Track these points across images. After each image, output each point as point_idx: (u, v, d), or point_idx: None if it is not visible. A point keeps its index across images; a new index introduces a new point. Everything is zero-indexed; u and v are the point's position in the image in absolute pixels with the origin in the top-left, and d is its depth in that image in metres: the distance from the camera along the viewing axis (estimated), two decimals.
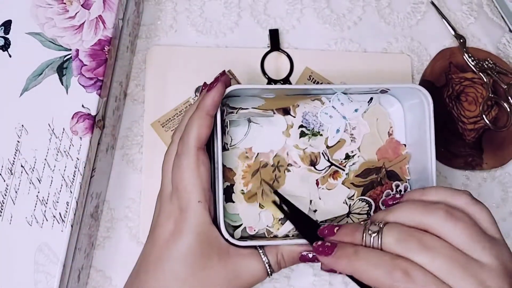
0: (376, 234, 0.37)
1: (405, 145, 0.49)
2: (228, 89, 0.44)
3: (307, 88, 0.48)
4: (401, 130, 0.49)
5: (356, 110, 0.48)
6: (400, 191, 0.48)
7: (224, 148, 0.46)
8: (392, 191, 0.48)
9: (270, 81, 0.55)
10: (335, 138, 0.47)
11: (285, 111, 0.47)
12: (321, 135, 0.48)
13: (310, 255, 0.41)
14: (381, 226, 0.37)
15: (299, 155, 0.47)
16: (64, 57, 0.45)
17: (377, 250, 0.36)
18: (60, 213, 0.42)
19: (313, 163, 0.47)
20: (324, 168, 0.47)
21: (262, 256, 0.42)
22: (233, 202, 0.45)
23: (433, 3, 0.58)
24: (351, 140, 0.48)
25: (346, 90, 0.48)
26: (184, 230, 0.40)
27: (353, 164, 0.48)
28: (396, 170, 0.48)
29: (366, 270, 0.36)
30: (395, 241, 0.36)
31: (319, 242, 0.39)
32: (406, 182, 0.48)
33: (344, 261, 0.37)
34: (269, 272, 0.42)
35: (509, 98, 0.54)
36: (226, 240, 0.42)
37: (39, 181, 0.42)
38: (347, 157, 0.48)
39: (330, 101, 0.48)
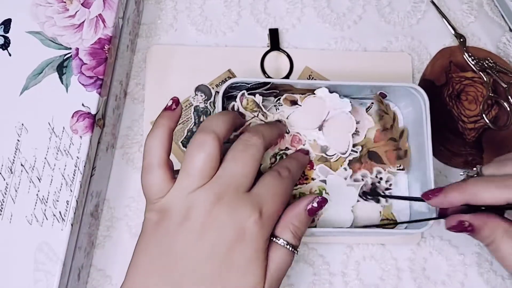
0: (476, 174, 0.42)
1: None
2: (228, 82, 0.45)
3: (305, 84, 0.49)
4: (399, 124, 0.51)
5: (369, 109, 0.51)
6: (381, 178, 0.49)
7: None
8: (371, 174, 0.49)
9: None
10: None
11: (293, 103, 0.49)
12: None
13: (315, 204, 0.41)
14: (478, 169, 0.42)
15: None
16: (64, 56, 0.45)
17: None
18: (60, 212, 0.42)
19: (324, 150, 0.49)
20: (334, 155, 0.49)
21: (277, 241, 0.40)
22: None
23: (433, 2, 0.58)
24: (355, 133, 0.49)
25: (344, 87, 0.49)
26: None
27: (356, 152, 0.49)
28: (379, 153, 0.49)
29: (480, 190, 0.39)
30: (494, 169, 0.41)
31: (427, 190, 0.43)
32: (390, 168, 0.49)
33: (456, 191, 0.41)
34: (293, 250, 0.40)
35: (509, 97, 0.54)
36: None
37: (39, 180, 0.42)
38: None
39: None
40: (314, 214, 0.41)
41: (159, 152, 0.39)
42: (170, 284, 0.36)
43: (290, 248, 0.39)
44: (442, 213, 0.44)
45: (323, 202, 0.41)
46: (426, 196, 0.43)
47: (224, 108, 0.48)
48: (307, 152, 0.48)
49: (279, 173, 0.40)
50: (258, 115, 0.48)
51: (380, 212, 0.49)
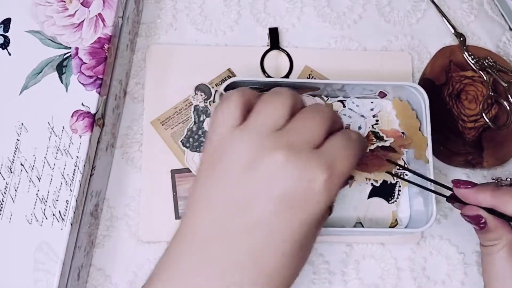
0: (510, 184, 0.42)
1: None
2: (228, 82, 0.45)
3: (305, 82, 0.49)
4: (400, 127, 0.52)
5: (372, 109, 0.51)
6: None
7: None
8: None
9: None
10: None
11: None
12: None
13: None
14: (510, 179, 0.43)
15: None
16: (64, 55, 0.45)
17: None
18: (59, 212, 0.42)
19: None
20: None
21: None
22: None
23: (433, 1, 0.58)
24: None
25: (344, 86, 0.49)
26: None
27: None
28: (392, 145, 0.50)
29: (509, 201, 0.40)
30: None
31: (459, 179, 0.43)
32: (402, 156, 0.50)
33: (488, 194, 0.41)
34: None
35: (509, 96, 0.54)
36: None
37: (38, 179, 0.42)
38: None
39: (346, 105, 0.51)
40: None
41: (249, 93, 0.37)
42: (236, 228, 0.34)
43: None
44: (454, 197, 0.44)
45: None
46: (456, 184, 0.43)
47: None
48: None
49: (349, 135, 0.38)
50: None
51: (393, 212, 0.49)
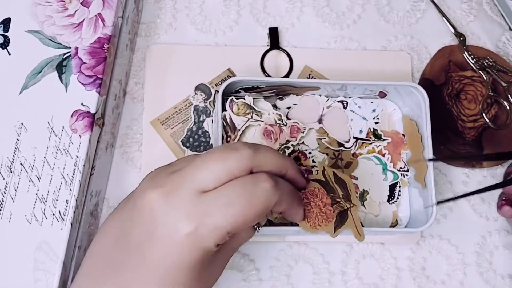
0: None
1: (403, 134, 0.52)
2: (228, 81, 0.45)
3: (305, 82, 0.50)
4: (400, 129, 0.52)
5: (374, 110, 0.51)
6: None
7: None
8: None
9: None
10: (361, 135, 0.51)
11: None
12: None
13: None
14: None
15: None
16: (64, 55, 0.45)
17: None
18: (59, 211, 0.42)
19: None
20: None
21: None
22: None
23: (432, 1, 0.58)
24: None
25: (344, 86, 0.49)
26: None
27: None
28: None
29: None
30: None
31: None
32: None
33: None
34: (257, 228, 0.37)
35: (509, 96, 0.54)
36: None
37: (38, 179, 0.42)
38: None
39: (347, 106, 0.51)
40: None
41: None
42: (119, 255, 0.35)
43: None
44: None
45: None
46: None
47: (223, 109, 0.48)
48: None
49: (257, 181, 0.33)
50: (252, 116, 0.49)
51: (393, 212, 0.50)
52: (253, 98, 0.49)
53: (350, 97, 0.51)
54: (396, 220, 0.50)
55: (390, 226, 0.50)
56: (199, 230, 0.32)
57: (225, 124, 0.48)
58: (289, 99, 0.51)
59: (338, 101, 0.51)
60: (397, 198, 0.50)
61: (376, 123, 0.51)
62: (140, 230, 0.34)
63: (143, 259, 0.33)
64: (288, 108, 0.51)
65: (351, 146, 0.50)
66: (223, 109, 0.48)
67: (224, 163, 0.33)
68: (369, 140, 0.51)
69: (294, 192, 0.37)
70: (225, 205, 0.32)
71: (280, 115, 0.49)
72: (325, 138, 0.50)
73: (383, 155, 0.50)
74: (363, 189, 0.50)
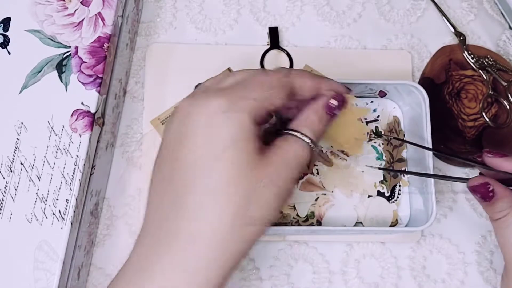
0: None
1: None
2: None
3: None
4: (400, 121, 0.52)
5: (374, 110, 0.52)
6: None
7: None
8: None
9: None
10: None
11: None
12: None
13: (334, 102, 0.38)
14: None
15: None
16: (64, 54, 0.45)
17: None
18: (59, 211, 0.42)
19: None
20: None
21: (300, 136, 0.36)
22: None
23: (433, 0, 0.58)
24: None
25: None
26: None
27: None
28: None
29: None
30: None
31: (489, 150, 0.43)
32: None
33: None
34: (311, 144, 0.36)
35: (509, 95, 0.54)
36: None
37: (38, 178, 0.42)
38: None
39: None
40: (333, 113, 0.38)
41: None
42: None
43: (307, 140, 0.36)
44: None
45: (342, 101, 0.38)
46: (488, 153, 0.43)
47: None
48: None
49: (268, 70, 0.37)
50: None
51: (393, 211, 0.50)
52: None
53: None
54: (397, 220, 0.50)
55: (390, 226, 0.50)
56: (232, 102, 0.34)
57: None
58: None
59: None
60: (397, 197, 0.50)
61: (376, 119, 0.52)
62: (184, 136, 0.34)
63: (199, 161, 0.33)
64: None
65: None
66: None
67: (270, 83, 0.36)
68: (370, 137, 0.51)
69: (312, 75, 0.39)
70: (250, 87, 0.35)
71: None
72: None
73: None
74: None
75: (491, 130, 0.54)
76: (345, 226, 0.49)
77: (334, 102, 0.38)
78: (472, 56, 0.56)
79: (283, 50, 0.55)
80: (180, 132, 0.34)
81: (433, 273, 0.52)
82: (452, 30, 0.57)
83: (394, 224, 0.50)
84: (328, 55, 0.55)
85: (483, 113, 0.54)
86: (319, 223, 0.49)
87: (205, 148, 0.33)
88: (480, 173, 0.45)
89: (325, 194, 0.50)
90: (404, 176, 0.50)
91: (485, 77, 0.55)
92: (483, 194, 0.41)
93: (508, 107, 0.54)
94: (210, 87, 0.37)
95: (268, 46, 0.55)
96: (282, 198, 0.35)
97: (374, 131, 0.51)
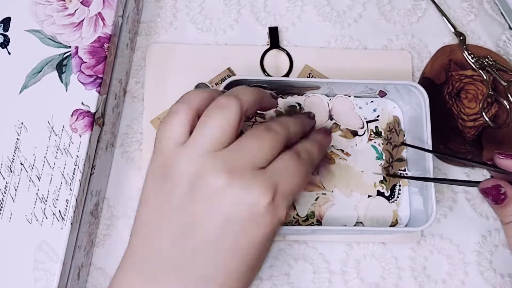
0: None
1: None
2: (228, 80, 0.46)
3: (305, 81, 0.50)
4: (400, 121, 0.52)
5: (374, 110, 0.52)
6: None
7: None
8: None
9: None
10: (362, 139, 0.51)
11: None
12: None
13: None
14: None
15: None
16: (64, 54, 0.45)
17: None
18: (59, 211, 0.42)
19: None
20: None
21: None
22: None
23: (433, 1, 0.58)
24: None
25: (344, 85, 0.50)
26: None
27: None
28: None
29: None
30: None
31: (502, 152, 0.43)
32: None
33: None
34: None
35: (509, 95, 0.54)
36: None
37: (38, 178, 0.42)
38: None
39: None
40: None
41: (194, 102, 0.36)
42: (184, 251, 0.33)
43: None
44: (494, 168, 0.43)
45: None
46: (500, 155, 0.42)
47: None
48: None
49: (299, 155, 0.37)
50: (255, 119, 0.49)
51: (394, 211, 0.50)
52: None
53: (350, 96, 0.52)
54: (397, 220, 0.50)
55: (390, 225, 0.50)
56: (275, 199, 0.34)
57: None
58: (292, 98, 0.51)
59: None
60: (397, 197, 0.50)
61: (376, 118, 0.52)
62: (211, 219, 0.33)
63: (220, 247, 0.33)
64: (290, 106, 0.51)
65: (364, 133, 0.51)
66: None
67: (271, 143, 0.35)
68: (371, 136, 0.51)
69: (320, 144, 0.41)
70: (289, 176, 0.35)
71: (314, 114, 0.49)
72: (338, 132, 0.51)
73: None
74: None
75: (491, 130, 0.54)
76: (345, 226, 0.49)
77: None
78: (472, 56, 0.56)
79: (283, 50, 0.55)
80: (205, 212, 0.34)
81: (433, 273, 0.52)
82: (452, 30, 0.57)
83: (394, 224, 0.50)
84: (328, 55, 0.55)
85: (483, 113, 0.54)
86: (319, 222, 0.49)
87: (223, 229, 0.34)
88: (491, 176, 0.45)
89: (325, 194, 0.50)
90: (408, 180, 0.50)
91: (485, 77, 0.55)
92: (494, 196, 0.41)
93: (508, 107, 0.54)
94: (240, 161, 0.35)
95: (268, 46, 0.55)
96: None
97: (374, 130, 0.51)
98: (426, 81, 0.55)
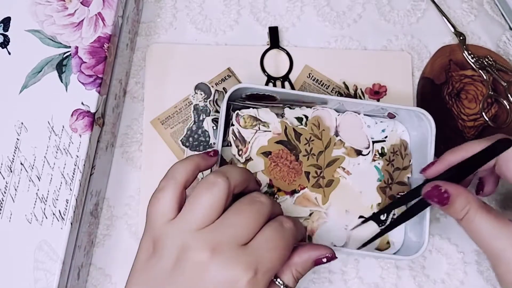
0: None
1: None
2: (234, 88, 0.45)
3: (314, 97, 0.48)
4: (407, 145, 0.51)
5: (383, 131, 0.50)
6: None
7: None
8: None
9: (270, 78, 0.54)
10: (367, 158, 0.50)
11: (358, 152, 0.50)
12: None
13: (325, 260, 0.40)
14: None
15: None
16: (64, 54, 0.45)
17: None
18: (59, 211, 0.42)
19: None
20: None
21: (277, 282, 0.38)
22: None
23: (433, 1, 0.58)
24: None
25: (351, 104, 0.49)
26: None
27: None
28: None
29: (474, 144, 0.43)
30: None
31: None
32: None
33: (453, 152, 0.44)
34: None
35: (509, 95, 0.54)
36: None
37: (38, 178, 0.42)
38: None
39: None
40: (319, 264, 0.40)
41: (180, 178, 0.38)
42: None
43: None
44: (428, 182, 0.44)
45: (332, 259, 0.40)
46: (424, 171, 0.45)
47: (227, 116, 0.47)
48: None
49: (281, 224, 0.38)
50: (259, 127, 0.48)
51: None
52: (257, 108, 0.49)
53: (359, 114, 0.50)
54: (388, 242, 0.49)
55: (378, 249, 0.49)
56: (257, 275, 0.35)
57: (235, 138, 0.48)
58: (300, 110, 0.50)
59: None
60: (388, 222, 0.49)
61: (383, 139, 0.50)
62: None
63: None
64: (297, 118, 0.50)
65: (368, 153, 0.50)
66: (228, 118, 0.48)
67: (254, 218, 0.37)
68: (375, 157, 0.50)
69: (298, 221, 0.41)
70: (270, 250, 0.36)
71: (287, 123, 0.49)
72: (342, 149, 0.49)
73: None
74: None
75: (491, 130, 0.54)
76: (335, 246, 0.48)
77: (324, 260, 0.40)
78: (472, 56, 0.56)
79: (283, 50, 0.55)
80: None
81: (432, 273, 0.52)
82: (452, 30, 0.57)
83: (383, 248, 0.49)
84: (328, 56, 0.55)
85: (483, 113, 0.54)
86: (310, 238, 0.48)
87: None
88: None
89: (319, 211, 0.49)
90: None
91: (485, 77, 0.55)
92: (438, 197, 0.41)
93: (508, 107, 0.54)
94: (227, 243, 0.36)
95: (268, 46, 0.55)
96: None
97: (380, 151, 0.50)
98: (426, 81, 0.55)
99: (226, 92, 0.46)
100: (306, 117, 0.50)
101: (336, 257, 0.40)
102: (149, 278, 0.36)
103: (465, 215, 0.41)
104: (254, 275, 0.35)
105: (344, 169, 0.49)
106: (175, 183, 0.38)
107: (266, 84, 0.54)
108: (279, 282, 0.38)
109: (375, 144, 0.50)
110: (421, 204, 0.44)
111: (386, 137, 0.50)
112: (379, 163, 0.50)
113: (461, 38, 0.56)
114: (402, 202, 0.48)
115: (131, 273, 0.37)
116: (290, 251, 0.38)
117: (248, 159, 0.48)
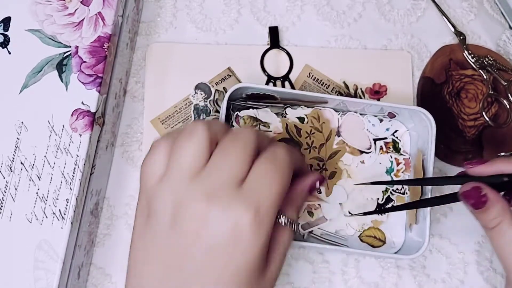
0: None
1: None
2: (234, 87, 0.45)
3: (313, 96, 0.48)
4: (407, 145, 0.51)
5: (387, 129, 0.51)
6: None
7: None
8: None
9: (270, 78, 0.54)
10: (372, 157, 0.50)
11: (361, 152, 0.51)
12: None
13: (317, 184, 0.40)
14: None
15: None
16: (64, 54, 0.45)
17: None
18: (60, 210, 0.42)
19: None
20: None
21: (283, 220, 0.37)
22: None
23: (433, 0, 0.58)
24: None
25: (352, 104, 0.49)
26: None
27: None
28: None
29: None
30: None
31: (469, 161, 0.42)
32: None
33: (504, 160, 0.41)
34: (294, 230, 0.38)
35: (509, 95, 0.54)
36: None
37: (38, 178, 0.42)
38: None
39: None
40: (313, 191, 0.40)
41: (175, 135, 0.36)
42: (177, 282, 0.34)
43: (293, 228, 0.37)
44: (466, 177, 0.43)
45: (323, 180, 0.40)
46: (470, 164, 0.42)
47: (228, 116, 0.48)
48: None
49: (273, 154, 0.36)
50: (259, 127, 0.48)
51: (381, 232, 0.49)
52: (257, 109, 0.49)
53: (361, 114, 0.51)
54: (385, 239, 0.49)
55: (376, 246, 0.49)
56: (259, 214, 0.33)
57: None
58: (302, 109, 0.50)
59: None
60: (385, 209, 0.49)
61: (385, 138, 0.51)
62: (196, 249, 0.33)
63: (210, 274, 0.33)
64: (298, 118, 0.50)
65: (370, 152, 0.50)
66: (228, 118, 0.48)
67: (242, 155, 0.35)
68: (389, 150, 0.50)
69: (297, 150, 0.40)
70: (266, 185, 0.34)
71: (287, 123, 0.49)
72: (346, 148, 0.50)
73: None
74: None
75: (491, 129, 0.54)
76: (333, 241, 0.48)
77: (317, 185, 0.40)
78: (472, 55, 0.56)
79: (283, 49, 0.55)
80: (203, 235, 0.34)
81: (433, 272, 0.52)
82: (452, 29, 0.57)
83: (380, 245, 0.49)
84: (328, 55, 0.55)
85: (483, 113, 0.54)
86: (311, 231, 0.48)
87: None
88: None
89: (322, 203, 0.49)
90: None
91: (485, 77, 0.55)
92: (476, 199, 0.40)
93: (508, 107, 0.54)
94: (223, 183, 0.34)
95: (268, 46, 0.55)
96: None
97: (393, 145, 0.50)
98: (426, 81, 0.55)
99: (226, 92, 0.46)
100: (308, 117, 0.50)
101: (324, 177, 0.39)
102: (149, 241, 0.34)
103: (497, 226, 0.40)
104: (256, 214, 0.33)
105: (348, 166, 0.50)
106: (164, 141, 0.36)
107: (266, 83, 0.54)
108: (284, 221, 0.36)
109: (377, 142, 0.50)
110: (445, 199, 0.44)
111: (395, 132, 0.51)
112: (391, 157, 0.50)
113: (461, 37, 0.56)
114: (411, 206, 0.48)
115: (132, 239, 0.36)
116: (288, 181, 0.36)
117: None
